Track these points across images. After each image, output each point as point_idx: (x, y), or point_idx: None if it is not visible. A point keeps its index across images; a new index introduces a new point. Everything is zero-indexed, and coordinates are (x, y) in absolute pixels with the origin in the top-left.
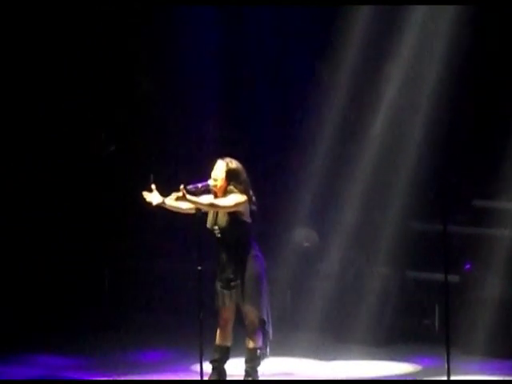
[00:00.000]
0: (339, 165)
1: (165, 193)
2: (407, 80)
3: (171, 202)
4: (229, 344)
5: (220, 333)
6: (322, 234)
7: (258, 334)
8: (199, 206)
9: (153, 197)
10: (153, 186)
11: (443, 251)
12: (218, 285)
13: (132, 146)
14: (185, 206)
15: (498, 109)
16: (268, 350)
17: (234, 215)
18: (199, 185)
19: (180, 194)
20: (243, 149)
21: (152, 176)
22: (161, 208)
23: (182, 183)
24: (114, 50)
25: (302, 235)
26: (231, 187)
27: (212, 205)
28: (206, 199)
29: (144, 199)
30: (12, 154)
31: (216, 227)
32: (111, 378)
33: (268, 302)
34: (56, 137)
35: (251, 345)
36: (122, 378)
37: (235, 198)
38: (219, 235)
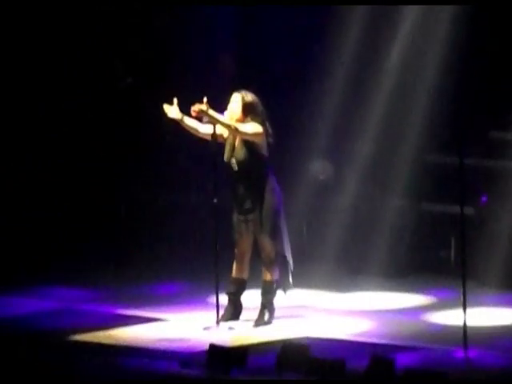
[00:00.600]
0: (354, 98)
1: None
2: (422, 12)
3: (190, 120)
4: (245, 277)
5: (236, 265)
6: (338, 167)
7: (275, 267)
8: (220, 124)
9: (172, 110)
10: (175, 100)
11: (459, 184)
12: (235, 217)
13: (149, 80)
14: (202, 128)
15: None
16: (291, 280)
17: (251, 148)
18: None
19: (203, 106)
20: (258, 82)
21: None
22: (178, 125)
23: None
24: None
25: (317, 168)
26: (249, 119)
27: (232, 126)
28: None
29: (163, 112)
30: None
31: (233, 160)
32: (127, 311)
33: (286, 233)
34: (71, 72)
35: (267, 277)
36: (138, 311)
37: (254, 127)
38: (236, 168)
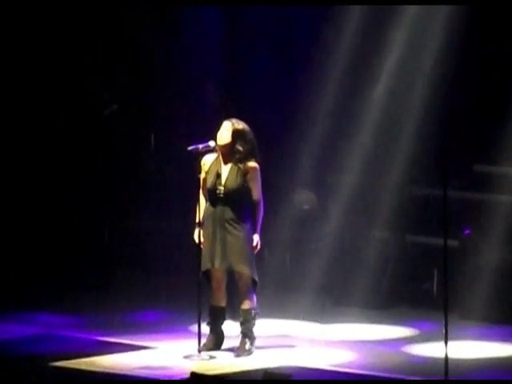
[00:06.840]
0: (339, 128)
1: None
2: (410, 44)
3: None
4: (223, 305)
5: (214, 293)
6: (322, 198)
7: (252, 295)
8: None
9: (197, 236)
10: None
11: (443, 216)
12: (208, 244)
13: (133, 105)
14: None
15: (501, 74)
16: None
17: (246, 183)
18: (200, 146)
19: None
20: (244, 112)
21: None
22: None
23: (184, 147)
24: (116, 9)
25: (301, 198)
26: (238, 145)
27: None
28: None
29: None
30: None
31: (221, 188)
32: (109, 338)
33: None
34: (57, 95)
35: (246, 306)
36: (120, 338)
37: (259, 183)
38: (222, 195)
